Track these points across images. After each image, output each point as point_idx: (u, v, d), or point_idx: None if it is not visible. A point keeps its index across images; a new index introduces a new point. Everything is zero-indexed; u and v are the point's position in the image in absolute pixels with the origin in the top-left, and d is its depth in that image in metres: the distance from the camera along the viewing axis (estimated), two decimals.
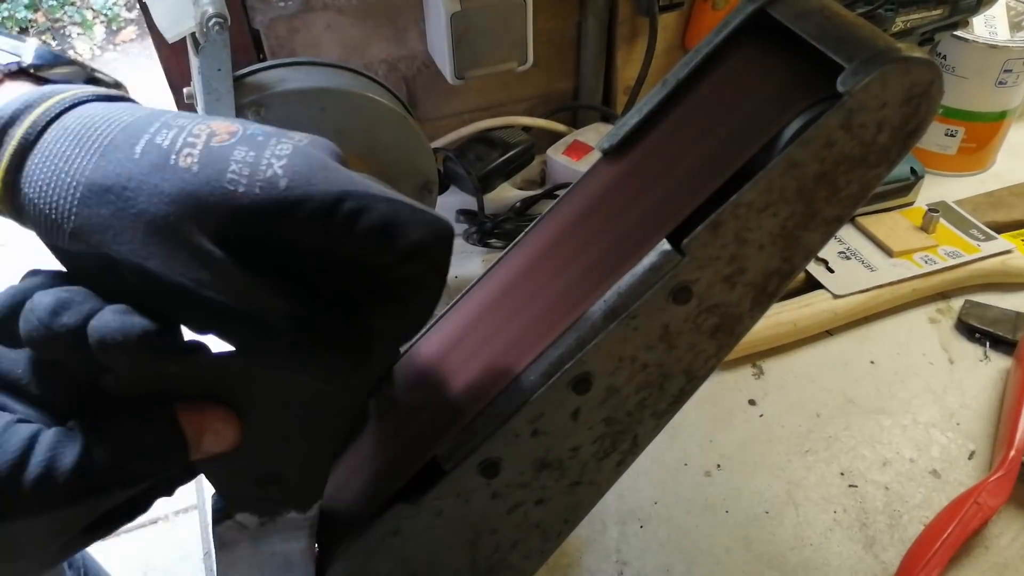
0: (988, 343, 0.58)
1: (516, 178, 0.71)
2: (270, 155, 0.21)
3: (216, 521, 0.26)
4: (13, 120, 0.21)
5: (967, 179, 0.76)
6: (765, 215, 0.27)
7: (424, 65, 0.69)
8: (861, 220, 0.67)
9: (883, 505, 0.48)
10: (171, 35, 0.46)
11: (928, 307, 0.62)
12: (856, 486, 0.49)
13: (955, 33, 0.69)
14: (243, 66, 0.53)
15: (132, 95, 0.25)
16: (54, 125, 0.21)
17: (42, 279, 0.22)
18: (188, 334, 0.22)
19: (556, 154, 0.70)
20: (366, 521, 0.28)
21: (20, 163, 0.21)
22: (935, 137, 0.75)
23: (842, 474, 0.49)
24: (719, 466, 0.50)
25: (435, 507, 0.29)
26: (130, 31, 2.60)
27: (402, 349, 0.32)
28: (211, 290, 0.20)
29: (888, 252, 0.63)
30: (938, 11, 0.65)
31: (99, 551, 0.43)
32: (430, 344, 0.32)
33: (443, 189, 0.62)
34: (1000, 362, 0.57)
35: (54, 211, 0.20)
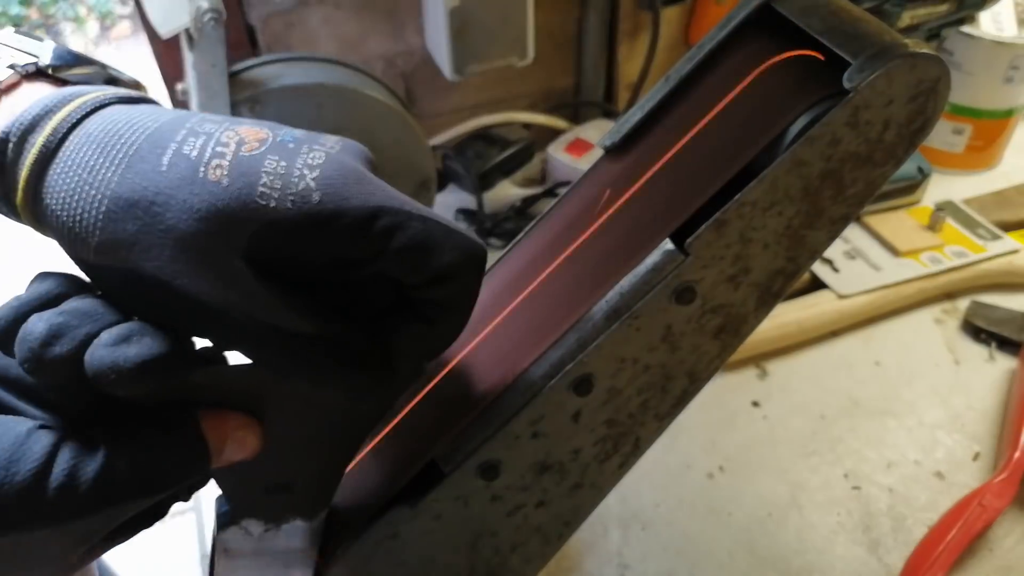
0: (994, 344, 0.57)
1: (516, 176, 0.70)
2: (302, 164, 0.20)
3: (221, 526, 0.26)
4: (33, 127, 0.20)
5: (974, 177, 0.75)
6: (770, 214, 0.27)
7: (422, 61, 0.69)
8: (867, 219, 0.66)
9: (887, 507, 0.47)
10: (165, 31, 0.45)
11: (934, 308, 0.61)
12: (860, 488, 0.48)
13: (962, 29, 0.68)
14: (238, 62, 0.53)
15: None
16: (76, 131, 0.21)
17: (49, 285, 0.21)
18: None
19: (557, 151, 0.69)
20: (364, 524, 0.28)
21: (42, 172, 0.20)
22: (942, 135, 0.74)
23: (846, 476, 0.49)
24: (722, 468, 0.50)
25: (434, 510, 0.28)
26: (124, 27, 2.60)
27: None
28: (239, 311, 0.20)
29: (894, 251, 0.63)
30: (945, 7, 0.64)
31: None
32: None
33: (442, 187, 0.62)
34: (1006, 363, 0.56)
35: (78, 224, 0.20)
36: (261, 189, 0.19)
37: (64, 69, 0.23)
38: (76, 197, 0.20)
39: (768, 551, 0.45)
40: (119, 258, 0.20)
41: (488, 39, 0.59)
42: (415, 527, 0.28)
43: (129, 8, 2.57)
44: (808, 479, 0.49)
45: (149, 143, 0.20)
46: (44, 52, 0.23)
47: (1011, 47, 0.67)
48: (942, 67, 0.25)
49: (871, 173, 0.27)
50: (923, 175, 0.67)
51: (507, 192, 0.69)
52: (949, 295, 0.62)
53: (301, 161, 0.20)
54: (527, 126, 0.72)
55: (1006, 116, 0.72)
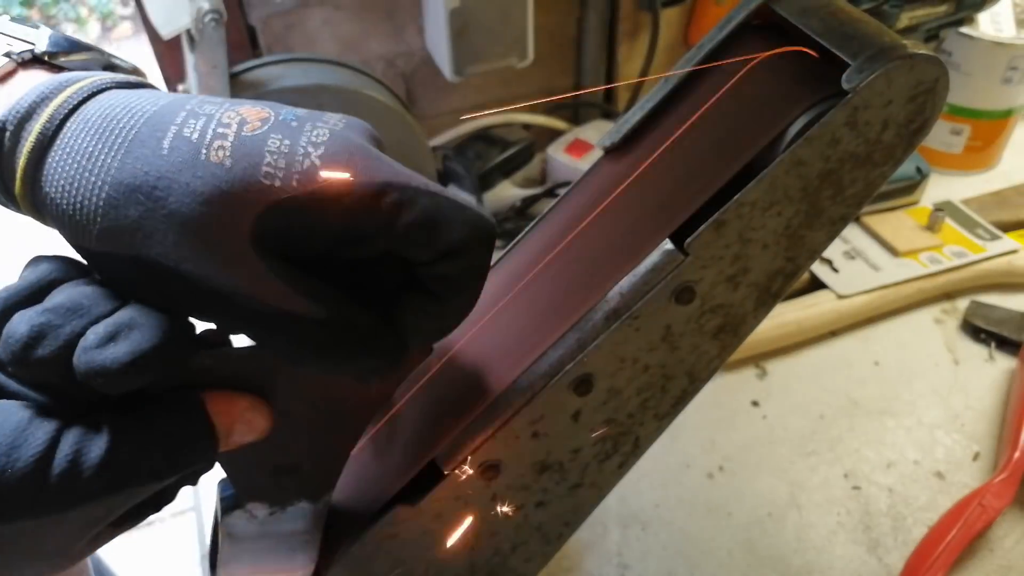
0: (993, 343, 0.57)
1: (516, 176, 0.70)
2: (306, 142, 0.20)
3: (225, 510, 0.26)
4: (30, 114, 0.20)
5: (973, 178, 0.75)
6: (769, 214, 0.27)
7: (422, 61, 0.69)
8: (866, 219, 0.66)
9: (887, 507, 0.47)
10: (166, 31, 0.46)
11: (933, 307, 0.61)
12: (860, 488, 0.48)
13: (961, 30, 0.68)
14: (239, 63, 0.53)
15: None
16: (73, 117, 0.20)
17: (42, 272, 0.20)
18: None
19: (557, 152, 0.69)
20: (365, 523, 0.28)
21: (39, 160, 0.20)
22: (940, 135, 0.74)
23: (846, 476, 0.49)
24: (721, 468, 0.50)
25: (434, 509, 0.28)
26: (125, 27, 2.60)
27: None
28: (246, 296, 0.19)
29: (893, 252, 0.63)
30: (944, 7, 0.65)
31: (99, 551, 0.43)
32: None
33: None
34: (1005, 363, 0.56)
35: (79, 212, 0.19)
36: (265, 169, 0.19)
37: (61, 56, 0.23)
38: (75, 184, 0.19)
39: (768, 550, 0.45)
40: (122, 245, 0.19)
41: (488, 40, 0.59)
42: (415, 527, 0.28)
43: (130, 9, 2.57)
44: (808, 479, 0.49)
45: (148, 127, 0.20)
46: (40, 39, 0.23)
47: (1010, 48, 0.67)
48: (941, 68, 0.25)
49: (870, 173, 0.27)
50: (922, 175, 0.68)
51: (507, 192, 0.69)
52: (948, 295, 0.62)
53: (305, 139, 0.20)
54: (527, 127, 0.72)
55: (1004, 116, 0.72)
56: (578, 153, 0.69)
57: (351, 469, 0.30)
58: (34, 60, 0.22)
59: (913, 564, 0.43)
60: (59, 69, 0.22)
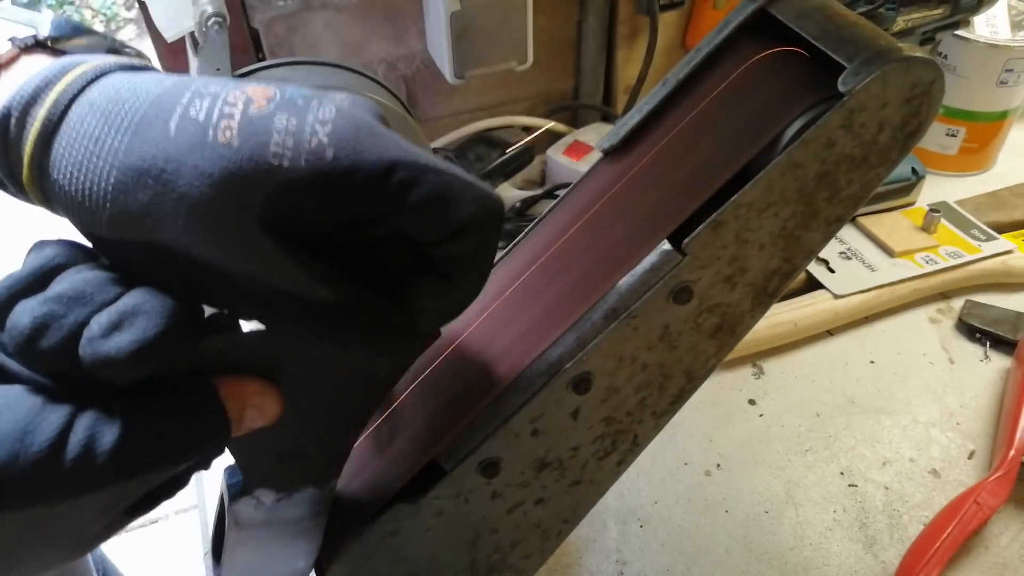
0: (988, 343, 0.58)
1: (516, 178, 0.71)
2: (313, 120, 0.19)
3: (233, 497, 0.26)
4: (34, 99, 0.19)
5: (968, 179, 0.76)
6: (766, 215, 0.27)
7: (423, 64, 0.69)
8: (862, 220, 0.67)
9: (883, 505, 0.48)
10: (170, 34, 0.46)
11: (929, 307, 0.61)
12: (856, 486, 0.49)
13: (956, 32, 0.69)
14: (242, 66, 0.53)
15: None
16: (78, 101, 0.20)
17: (46, 256, 0.20)
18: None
19: (556, 154, 0.70)
20: (366, 521, 0.28)
21: (46, 147, 0.19)
22: (936, 137, 0.75)
23: (842, 474, 0.49)
24: (719, 466, 0.50)
25: (435, 507, 0.29)
26: (129, 30, 2.60)
27: None
28: (258, 279, 0.19)
29: (889, 252, 0.63)
30: (939, 10, 0.65)
31: (103, 548, 0.43)
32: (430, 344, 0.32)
33: None
34: (1000, 362, 0.57)
35: (87, 198, 0.19)
36: (273, 149, 0.19)
37: (63, 41, 0.22)
38: (83, 170, 0.19)
39: (764, 547, 0.45)
40: (132, 231, 0.19)
41: (488, 43, 0.59)
42: (416, 524, 0.29)
43: (134, 12, 2.57)
44: (804, 476, 0.49)
45: (154, 108, 0.19)
46: (42, 23, 0.22)
47: (1005, 50, 0.68)
48: (936, 70, 0.25)
49: (866, 175, 0.27)
50: (917, 177, 0.68)
51: (507, 194, 0.70)
52: (944, 295, 0.62)
53: (312, 117, 0.19)
54: (527, 129, 0.73)
55: (1000, 118, 0.73)
56: (577, 155, 0.69)
57: (353, 467, 0.30)
58: (37, 45, 0.22)
59: (909, 561, 0.43)
60: (62, 54, 0.22)
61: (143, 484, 0.20)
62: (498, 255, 0.34)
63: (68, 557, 0.21)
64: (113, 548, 0.24)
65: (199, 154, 0.19)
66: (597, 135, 0.71)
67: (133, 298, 0.19)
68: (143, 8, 0.53)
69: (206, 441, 0.21)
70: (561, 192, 0.42)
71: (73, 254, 0.20)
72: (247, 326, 0.23)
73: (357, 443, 0.31)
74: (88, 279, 0.20)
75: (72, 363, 0.19)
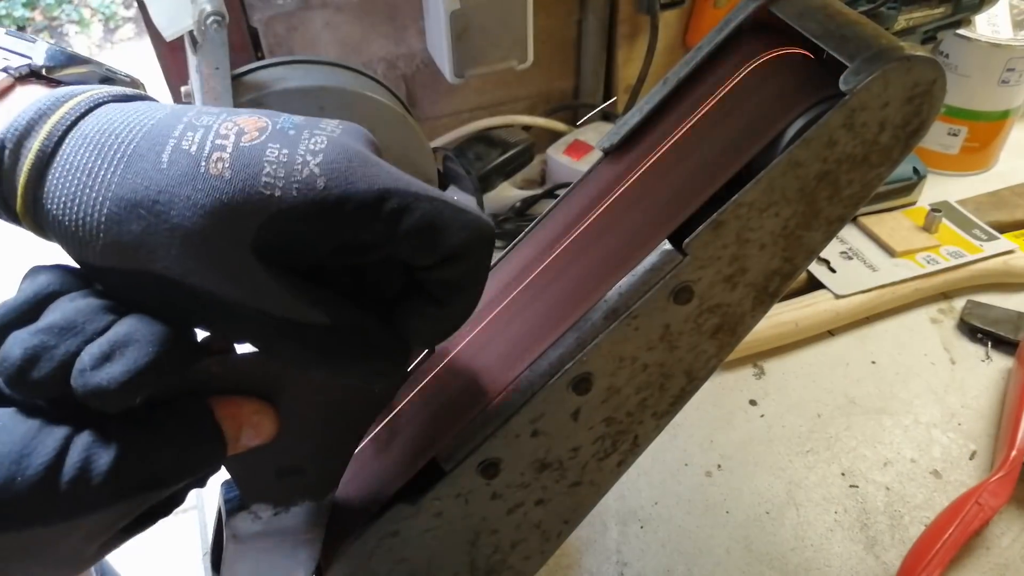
0: (990, 343, 0.58)
1: (516, 178, 0.71)
2: (304, 151, 0.20)
3: (230, 512, 0.26)
4: (28, 131, 0.20)
5: (970, 179, 0.75)
6: (767, 215, 0.27)
7: (423, 63, 0.69)
8: (863, 220, 0.66)
9: (884, 505, 0.47)
10: (169, 33, 0.46)
11: (930, 307, 0.61)
12: (857, 486, 0.49)
13: (958, 32, 0.68)
14: (241, 65, 0.53)
15: None
16: (72, 133, 0.20)
17: (40, 284, 0.20)
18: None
19: (556, 153, 0.70)
20: (366, 521, 0.28)
21: (40, 177, 0.20)
22: (937, 136, 0.75)
23: (843, 474, 0.49)
24: (720, 466, 0.50)
25: (435, 508, 0.29)
26: (128, 29, 2.60)
27: None
28: (251, 306, 0.20)
29: (890, 252, 0.63)
30: (941, 9, 0.65)
31: None
32: None
33: (442, 188, 0.62)
34: (1002, 362, 0.56)
35: (81, 229, 0.19)
36: (265, 179, 0.19)
37: (58, 70, 0.23)
38: (77, 201, 0.19)
39: (765, 548, 0.45)
40: (126, 260, 0.19)
41: (488, 42, 0.59)
42: (416, 525, 0.29)
43: (133, 11, 2.57)
44: (805, 477, 0.49)
45: (147, 140, 0.20)
46: (37, 53, 0.23)
47: (1007, 49, 0.68)
48: (938, 70, 0.25)
49: (867, 174, 0.27)
50: (919, 176, 0.68)
51: (507, 193, 0.69)
52: (945, 295, 0.62)
53: (303, 147, 0.20)
54: (527, 128, 0.72)
55: (1002, 118, 0.73)
56: (577, 154, 0.69)
57: (352, 468, 0.30)
58: (31, 75, 0.22)
59: (910, 562, 0.43)
60: (56, 83, 0.22)
61: (139, 504, 0.21)
62: (498, 255, 0.34)
63: (66, 575, 0.21)
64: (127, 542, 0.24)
65: (191, 186, 0.19)
66: (597, 134, 0.70)
67: (124, 327, 0.20)
68: (142, 7, 0.52)
69: (202, 461, 0.21)
70: (561, 192, 0.42)
71: (67, 281, 0.21)
72: (241, 348, 0.23)
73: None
74: (80, 308, 0.20)
75: (65, 390, 0.19)
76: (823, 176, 0.27)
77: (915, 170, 0.68)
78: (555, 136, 0.73)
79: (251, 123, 0.20)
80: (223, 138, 0.20)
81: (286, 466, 0.25)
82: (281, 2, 0.62)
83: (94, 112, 0.21)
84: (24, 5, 2.53)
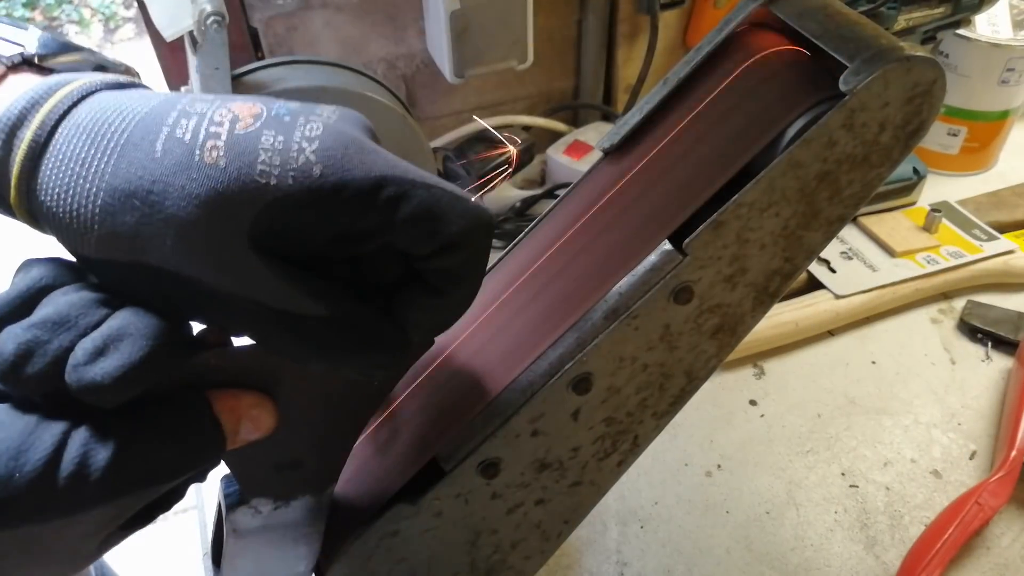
0: (990, 343, 0.58)
1: (516, 177, 0.71)
2: (300, 138, 0.19)
3: (230, 507, 0.26)
4: (21, 121, 0.20)
5: (970, 179, 0.75)
6: (767, 215, 0.27)
7: (423, 64, 0.69)
8: (863, 220, 0.66)
9: (884, 505, 0.47)
10: (169, 33, 0.46)
11: (930, 307, 0.61)
12: (857, 486, 0.49)
13: (958, 32, 0.68)
14: (241, 65, 0.53)
15: None
16: (64, 122, 0.20)
17: (33, 278, 0.20)
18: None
19: (556, 153, 0.70)
20: (366, 521, 0.28)
21: (33, 168, 0.19)
22: (937, 136, 0.75)
23: (843, 474, 0.49)
24: (720, 466, 0.50)
25: (435, 507, 0.29)
26: (128, 29, 2.60)
27: None
28: (248, 297, 0.19)
29: (890, 252, 0.63)
30: (940, 9, 0.65)
31: None
32: None
33: None
34: (1002, 362, 0.56)
35: (75, 220, 0.19)
36: (260, 167, 0.19)
37: (50, 58, 0.22)
38: (70, 192, 0.19)
39: (765, 548, 0.45)
40: (120, 251, 0.19)
41: (488, 42, 0.59)
42: (416, 524, 0.29)
43: (133, 11, 2.57)
44: (805, 477, 0.49)
45: (140, 129, 0.19)
46: (30, 41, 0.22)
47: (1007, 49, 0.68)
48: (938, 70, 0.25)
49: (867, 174, 0.27)
50: (919, 176, 0.68)
51: (507, 193, 0.69)
52: (945, 295, 0.62)
53: (299, 134, 0.19)
54: (527, 128, 0.73)
55: (1001, 118, 0.73)
56: (577, 154, 0.69)
57: (352, 467, 0.30)
58: (24, 63, 0.22)
59: (910, 562, 0.43)
60: (49, 71, 0.22)
61: (139, 500, 0.20)
62: (498, 255, 0.34)
63: (64, 572, 0.21)
64: (111, 550, 0.24)
65: (185, 175, 0.19)
66: (597, 134, 0.70)
67: (118, 320, 0.19)
68: (142, 7, 0.52)
69: (201, 455, 0.21)
70: (561, 192, 0.42)
71: (60, 274, 0.20)
72: (238, 341, 0.23)
73: (357, 444, 0.31)
74: (73, 302, 0.19)
75: (60, 385, 0.19)
76: (823, 176, 0.27)
77: (915, 170, 0.68)
78: (555, 136, 0.73)
79: (246, 110, 0.20)
80: (217, 125, 0.19)
81: (285, 460, 0.25)
82: (281, 2, 0.62)
83: (87, 100, 0.20)
84: (24, 5, 2.53)
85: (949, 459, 0.50)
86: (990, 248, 0.63)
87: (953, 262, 0.62)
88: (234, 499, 0.26)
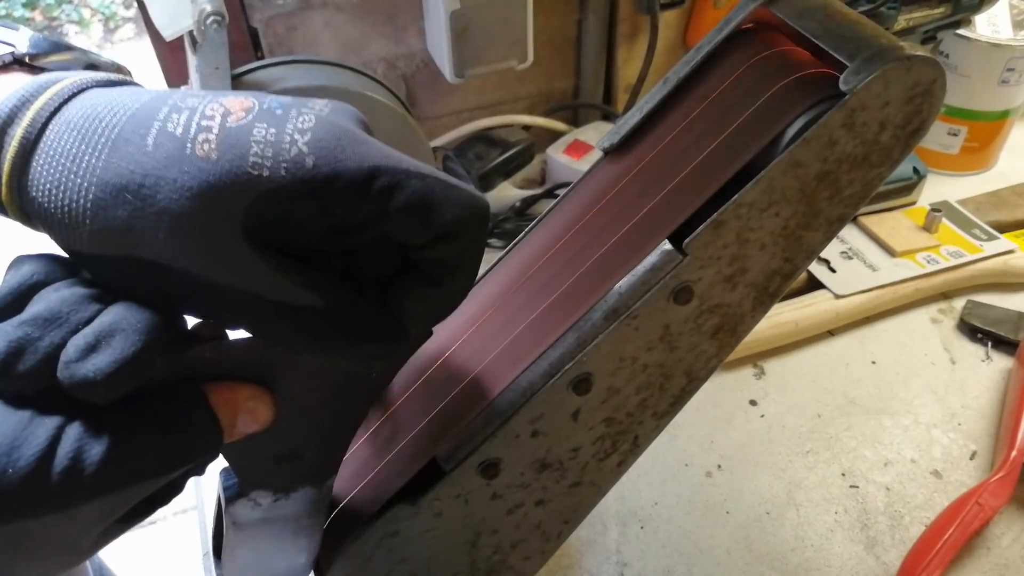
0: (990, 343, 0.58)
1: (516, 177, 0.71)
2: (292, 130, 0.19)
3: (229, 500, 0.26)
4: (11, 119, 0.20)
5: (970, 178, 0.75)
6: (767, 215, 0.27)
7: (423, 63, 0.69)
8: (863, 220, 0.66)
9: (884, 506, 0.47)
10: (169, 33, 0.46)
11: (930, 307, 0.61)
12: (857, 487, 0.49)
13: (958, 31, 0.68)
14: (241, 64, 0.53)
15: None
16: (55, 119, 0.20)
17: (24, 274, 0.20)
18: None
19: (556, 153, 0.70)
20: (366, 521, 0.28)
21: (24, 165, 0.19)
22: (938, 136, 0.75)
23: (843, 475, 0.49)
24: (720, 467, 0.50)
25: (435, 508, 0.29)
26: (128, 29, 2.60)
27: None
28: (243, 289, 0.19)
29: (890, 252, 0.63)
30: (941, 9, 0.65)
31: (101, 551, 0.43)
32: (431, 343, 0.32)
33: None
34: (1002, 362, 0.56)
35: (67, 216, 0.19)
36: (252, 159, 0.19)
37: (41, 57, 0.22)
38: (61, 188, 0.19)
39: (766, 548, 0.45)
40: (113, 246, 0.19)
41: (488, 42, 0.59)
42: (416, 525, 0.29)
43: (133, 11, 2.57)
44: (805, 477, 0.49)
45: (132, 124, 0.19)
46: (20, 40, 0.22)
47: (1007, 49, 0.68)
48: (938, 69, 0.25)
49: (867, 174, 0.27)
50: (919, 176, 0.68)
51: (507, 193, 0.69)
52: (945, 295, 0.62)
53: (291, 126, 0.19)
54: (527, 128, 0.73)
55: (1002, 118, 0.73)
56: (577, 154, 0.69)
57: (352, 467, 0.30)
58: (15, 62, 0.22)
59: (910, 562, 0.43)
60: (40, 70, 0.22)
61: (135, 494, 0.20)
62: (498, 255, 0.34)
63: (61, 567, 0.21)
64: (111, 551, 0.24)
65: (177, 168, 0.19)
66: (597, 134, 0.70)
67: (110, 316, 0.19)
68: (142, 7, 0.52)
69: (198, 448, 0.21)
70: (561, 191, 0.42)
71: (52, 270, 0.20)
72: (234, 334, 0.23)
73: (357, 444, 0.31)
74: (65, 298, 0.19)
75: (52, 382, 0.19)
76: (823, 176, 0.27)
77: (915, 170, 0.68)
78: (555, 136, 0.73)
79: (237, 103, 0.20)
80: (209, 119, 0.19)
81: (284, 452, 0.25)
82: (281, 2, 0.62)
83: (78, 98, 0.20)
84: (24, 5, 2.53)
85: (949, 459, 0.50)
86: (990, 248, 0.63)
87: (953, 262, 0.62)
88: (233, 492, 0.26)
